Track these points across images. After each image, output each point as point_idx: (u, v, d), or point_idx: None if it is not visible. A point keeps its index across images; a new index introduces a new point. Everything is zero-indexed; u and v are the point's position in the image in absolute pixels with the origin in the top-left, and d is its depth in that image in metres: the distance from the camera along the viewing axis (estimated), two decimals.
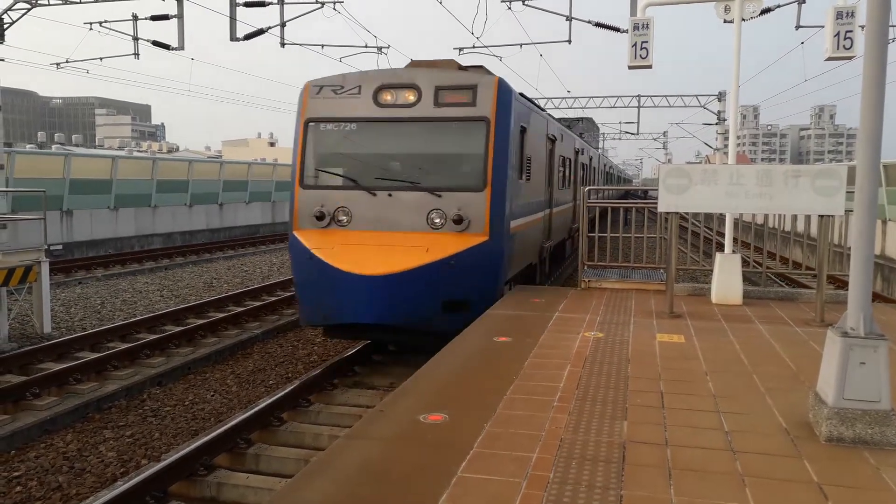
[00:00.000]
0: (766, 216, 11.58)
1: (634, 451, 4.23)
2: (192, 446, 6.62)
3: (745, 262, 9.97)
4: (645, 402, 5.15)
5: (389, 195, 9.37)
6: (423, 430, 4.51)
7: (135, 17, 20.93)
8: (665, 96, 39.28)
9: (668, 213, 8.72)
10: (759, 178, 8.31)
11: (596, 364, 6.18)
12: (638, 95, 39.93)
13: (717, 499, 3.60)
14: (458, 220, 9.07)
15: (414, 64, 10.44)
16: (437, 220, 9.19)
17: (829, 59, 10.37)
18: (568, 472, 3.90)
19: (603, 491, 3.67)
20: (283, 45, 21.14)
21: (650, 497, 3.61)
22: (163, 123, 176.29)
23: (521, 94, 10.87)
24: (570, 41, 21.21)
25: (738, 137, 10.08)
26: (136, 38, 21.12)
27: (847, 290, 4.63)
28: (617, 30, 19.08)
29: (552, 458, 4.10)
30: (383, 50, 22.49)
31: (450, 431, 4.50)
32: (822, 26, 12.20)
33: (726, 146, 28.67)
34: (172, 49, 20.00)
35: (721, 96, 33.45)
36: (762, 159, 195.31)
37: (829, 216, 8.42)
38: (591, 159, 24.54)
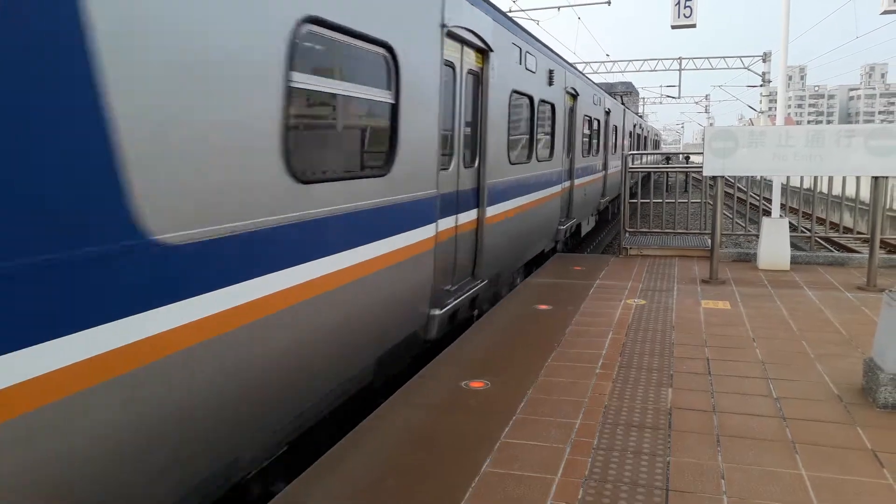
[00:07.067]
0: (814, 179, 11.23)
1: (681, 417, 4.17)
2: None
3: (792, 228, 9.70)
4: (690, 369, 5.07)
5: None
6: (465, 397, 4.51)
7: None
8: (707, 58, 38.03)
9: (713, 176, 8.51)
10: (808, 140, 8.02)
11: (639, 331, 6.09)
12: (679, 58, 38.76)
13: (768, 466, 3.53)
14: None
15: None
16: None
17: (885, 12, 9.92)
18: (613, 439, 3.86)
19: (650, 457, 3.62)
20: None
21: (698, 464, 3.56)
22: None
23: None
24: (609, 2, 20.64)
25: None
26: None
27: None
28: None
29: (596, 424, 4.06)
30: None
31: (492, 398, 4.50)
32: None
33: (770, 109, 27.78)
34: None
35: (766, 57, 32.23)
36: (808, 121, 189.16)
37: (883, 178, 8.12)
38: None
